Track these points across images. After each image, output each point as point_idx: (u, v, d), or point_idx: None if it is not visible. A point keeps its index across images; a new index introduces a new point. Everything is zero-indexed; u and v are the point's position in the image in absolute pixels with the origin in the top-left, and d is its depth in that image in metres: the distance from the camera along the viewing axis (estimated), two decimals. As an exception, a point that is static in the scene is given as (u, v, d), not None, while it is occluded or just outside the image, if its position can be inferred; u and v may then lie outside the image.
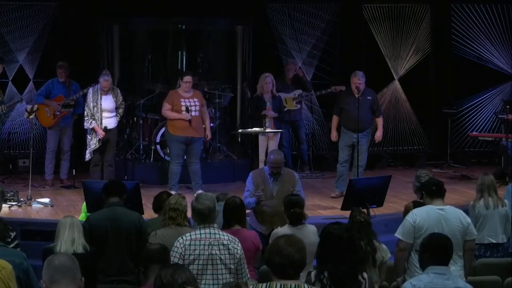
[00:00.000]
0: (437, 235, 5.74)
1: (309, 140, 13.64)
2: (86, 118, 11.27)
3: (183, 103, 11.00)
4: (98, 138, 11.23)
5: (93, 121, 11.21)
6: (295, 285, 4.47)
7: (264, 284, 4.55)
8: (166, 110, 11.15)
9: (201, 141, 11.34)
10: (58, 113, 11.75)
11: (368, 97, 11.14)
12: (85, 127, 11.30)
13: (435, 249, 5.21)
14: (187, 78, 11.08)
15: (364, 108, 11.03)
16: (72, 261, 3.97)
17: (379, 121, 11.44)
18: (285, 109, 12.68)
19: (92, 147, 11.28)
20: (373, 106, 11.24)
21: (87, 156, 11.32)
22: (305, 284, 4.57)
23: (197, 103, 11.08)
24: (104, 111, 11.30)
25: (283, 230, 6.99)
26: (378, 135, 11.44)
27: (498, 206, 8.19)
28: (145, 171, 12.46)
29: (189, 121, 10.95)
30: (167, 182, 11.27)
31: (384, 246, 6.77)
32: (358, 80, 11.03)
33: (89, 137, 11.30)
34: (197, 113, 11.04)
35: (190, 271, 4.15)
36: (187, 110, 10.97)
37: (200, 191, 9.71)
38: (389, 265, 6.80)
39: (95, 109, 11.23)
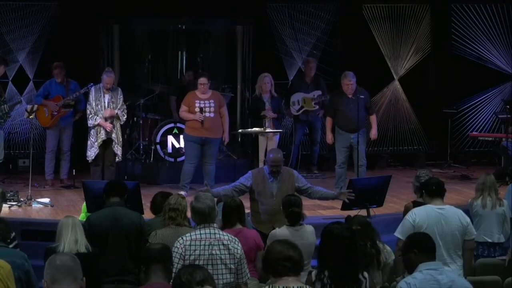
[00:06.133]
0: (417, 234, 5.74)
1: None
2: (89, 116, 11.20)
3: (197, 104, 11.01)
4: (102, 136, 11.12)
5: (97, 117, 11.13)
6: (297, 287, 4.49)
7: (266, 286, 4.57)
8: (183, 111, 11.17)
9: (217, 142, 11.29)
10: (55, 113, 11.73)
11: (361, 96, 11.09)
12: (90, 125, 11.19)
13: (422, 246, 5.14)
14: (202, 80, 11.09)
15: (359, 107, 11.02)
16: (73, 261, 3.98)
17: (373, 118, 11.42)
18: (303, 109, 12.62)
19: (95, 147, 11.25)
20: (366, 104, 11.23)
21: (89, 156, 11.27)
22: (306, 285, 4.58)
23: (213, 105, 11.05)
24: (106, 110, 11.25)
25: (282, 231, 6.99)
26: (374, 132, 11.42)
27: (496, 206, 8.21)
28: (145, 171, 12.45)
29: (202, 122, 10.94)
30: (167, 182, 11.25)
31: (388, 248, 6.74)
32: (349, 81, 11.03)
33: (92, 138, 11.24)
34: (211, 115, 11.01)
35: (208, 271, 4.23)
36: (201, 111, 10.98)
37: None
38: (392, 266, 6.79)
39: (98, 107, 11.18)
